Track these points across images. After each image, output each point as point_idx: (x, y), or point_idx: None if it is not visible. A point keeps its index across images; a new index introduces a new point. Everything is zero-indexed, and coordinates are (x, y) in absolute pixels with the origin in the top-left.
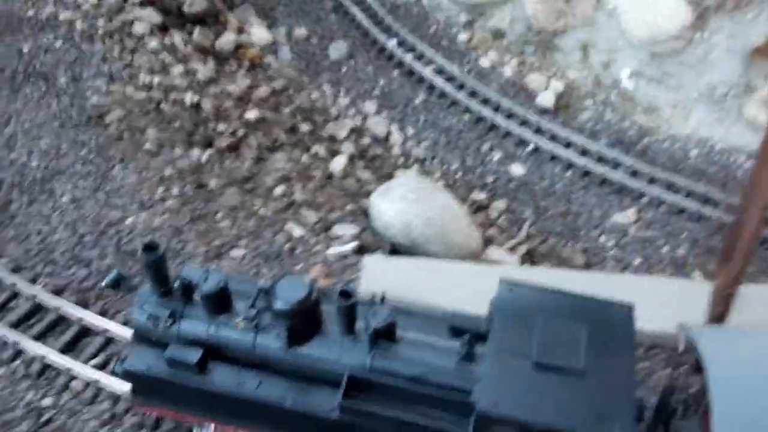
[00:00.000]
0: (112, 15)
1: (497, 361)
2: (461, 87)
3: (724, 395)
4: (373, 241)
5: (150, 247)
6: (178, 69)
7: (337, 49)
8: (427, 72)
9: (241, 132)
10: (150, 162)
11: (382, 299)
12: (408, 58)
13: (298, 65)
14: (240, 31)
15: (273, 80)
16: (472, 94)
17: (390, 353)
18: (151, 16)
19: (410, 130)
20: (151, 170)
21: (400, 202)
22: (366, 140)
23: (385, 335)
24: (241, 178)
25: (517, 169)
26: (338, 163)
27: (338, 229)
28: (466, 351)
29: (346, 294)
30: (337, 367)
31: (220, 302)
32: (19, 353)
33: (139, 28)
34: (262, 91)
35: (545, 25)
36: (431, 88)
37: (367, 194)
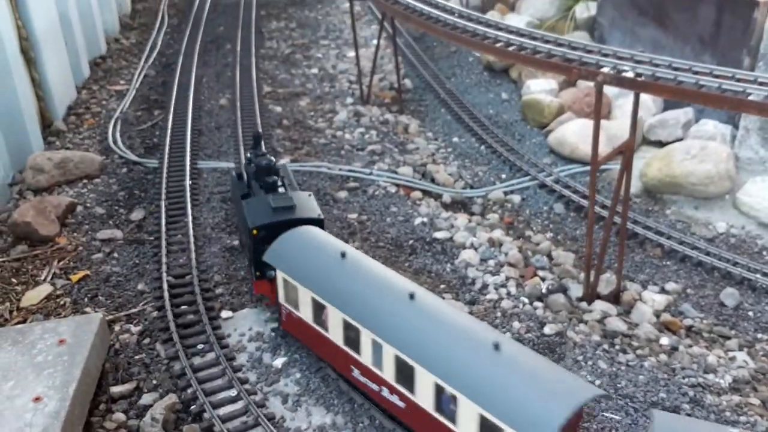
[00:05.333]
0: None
1: (255, 207)
2: None
3: None
4: None
5: (257, 135)
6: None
7: (730, 296)
8: None
9: None
10: None
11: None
12: None
13: (715, 321)
14: (635, 300)
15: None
16: None
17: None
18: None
19: None
20: None
21: None
22: None
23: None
24: None
25: None
26: None
27: None
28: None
29: (256, 145)
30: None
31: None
32: None
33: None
34: None
35: None
36: None
37: None
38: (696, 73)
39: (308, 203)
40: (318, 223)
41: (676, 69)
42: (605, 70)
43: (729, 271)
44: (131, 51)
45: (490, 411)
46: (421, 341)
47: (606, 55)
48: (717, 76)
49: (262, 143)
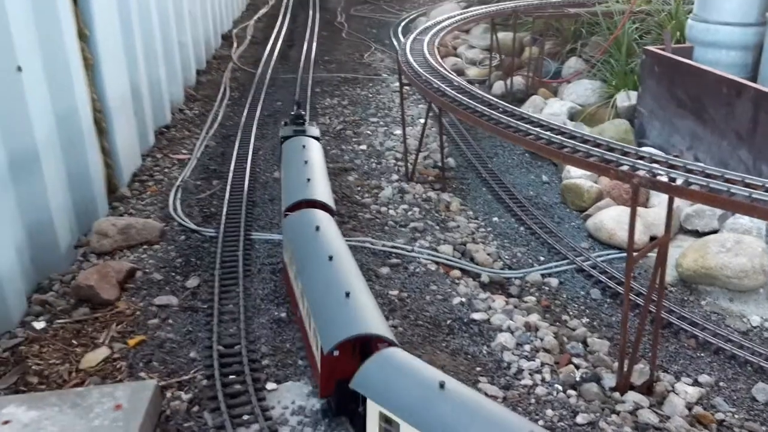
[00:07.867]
0: None
1: (285, 129)
2: None
3: None
4: None
5: (297, 102)
6: None
7: (762, 391)
8: None
9: None
10: None
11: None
12: None
13: (746, 416)
14: (667, 392)
15: None
16: None
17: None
18: None
19: None
20: None
21: None
22: None
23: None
24: None
25: None
26: None
27: None
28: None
29: (298, 108)
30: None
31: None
32: None
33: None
34: None
35: None
36: None
37: None
38: (727, 180)
39: (314, 130)
40: (316, 138)
41: (708, 176)
42: (641, 173)
43: (761, 365)
44: (194, 121)
45: None
46: None
47: (642, 158)
48: (748, 185)
49: (302, 108)
